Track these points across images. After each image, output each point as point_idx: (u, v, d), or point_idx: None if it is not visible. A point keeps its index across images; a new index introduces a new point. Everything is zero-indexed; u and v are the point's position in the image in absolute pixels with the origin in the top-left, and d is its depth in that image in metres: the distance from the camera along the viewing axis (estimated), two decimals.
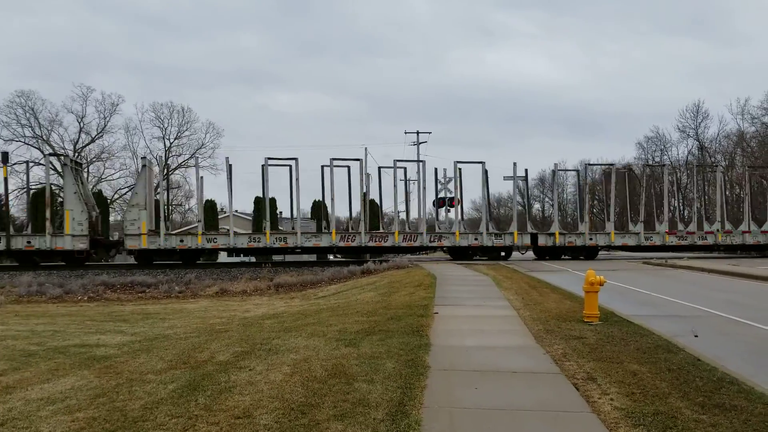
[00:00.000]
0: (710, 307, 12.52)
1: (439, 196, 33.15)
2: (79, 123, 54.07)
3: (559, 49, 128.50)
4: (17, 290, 20.41)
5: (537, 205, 78.38)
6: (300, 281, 21.81)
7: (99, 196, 42.32)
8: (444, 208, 33.63)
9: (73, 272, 23.31)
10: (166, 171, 28.57)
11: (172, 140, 58.75)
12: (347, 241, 28.51)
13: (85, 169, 45.87)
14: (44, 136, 52.30)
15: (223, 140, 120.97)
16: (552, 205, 69.47)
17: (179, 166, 58.28)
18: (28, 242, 26.21)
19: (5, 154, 27.96)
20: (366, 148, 54.05)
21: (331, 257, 33.60)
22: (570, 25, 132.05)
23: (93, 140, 54.70)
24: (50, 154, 28.28)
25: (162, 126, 58.70)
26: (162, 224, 27.03)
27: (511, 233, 30.92)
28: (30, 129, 51.71)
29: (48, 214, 26.75)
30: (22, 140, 51.48)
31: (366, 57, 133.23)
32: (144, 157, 30.61)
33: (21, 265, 25.85)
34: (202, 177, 29.63)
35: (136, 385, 7.12)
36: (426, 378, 6.92)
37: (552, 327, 10.03)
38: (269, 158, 27.99)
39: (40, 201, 31.49)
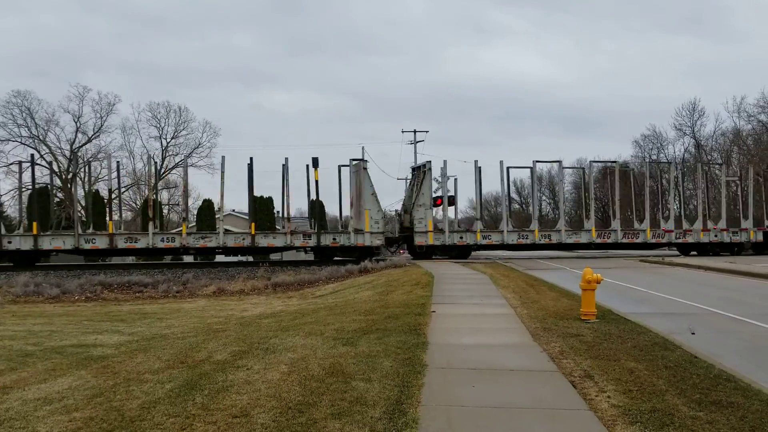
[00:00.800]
0: (706, 304, 12.55)
1: (435, 195, 33.02)
2: (76, 123, 53.99)
3: (553, 46, 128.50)
4: (14, 290, 20.36)
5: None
6: (297, 280, 21.80)
7: (96, 195, 42.23)
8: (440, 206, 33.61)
9: (70, 272, 23.27)
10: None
11: (168, 140, 58.70)
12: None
13: (83, 169, 45.71)
14: (41, 136, 52.20)
15: (220, 139, 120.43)
16: (549, 203, 69.64)
17: (175, 166, 58.16)
18: (334, 239, 28.64)
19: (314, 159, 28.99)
20: (363, 147, 54.20)
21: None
22: (564, 23, 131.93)
23: (90, 140, 54.61)
24: (357, 160, 28.36)
25: (159, 125, 58.61)
26: (446, 223, 30.34)
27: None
28: (26, 129, 51.66)
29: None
30: (19, 140, 51.42)
31: (360, 56, 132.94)
32: (429, 161, 31.25)
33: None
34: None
35: (133, 385, 7.12)
36: (423, 376, 6.93)
37: (549, 325, 10.05)
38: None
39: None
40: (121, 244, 26.33)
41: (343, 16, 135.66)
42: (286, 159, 28.15)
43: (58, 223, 36.25)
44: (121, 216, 32.80)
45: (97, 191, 46.28)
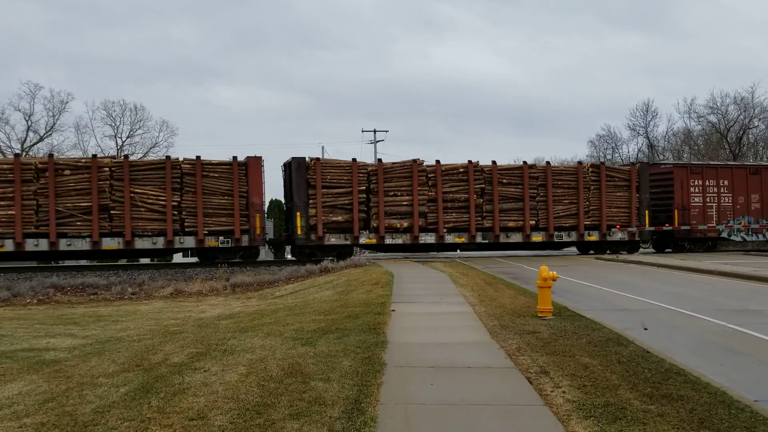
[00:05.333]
0: (658, 300, 12.88)
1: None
2: (27, 121, 52.51)
3: (504, 42, 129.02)
4: None
5: None
6: (257, 281, 21.60)
7: None
8: None
9: (21, 274, 22.61)
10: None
11: (124, 139, 57.51)
12: None
13: None
14: None
15: (177, 139, 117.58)
16: None
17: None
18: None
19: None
20: (323, 147, 53.95)
21: (289, 256, 33.08)
22: (514, 17, 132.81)
23: (41, 139, 53.09)
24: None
25: (114, 124, 57.36)
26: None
27: None
28: None
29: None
30: None
31: (308, 50, 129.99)
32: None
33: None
34: None
35: (87, 389, 6.97)
36: (382, 375, 6.96)
37: (507, 322, 10.18)
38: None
39: None
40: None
41: (286, 5, 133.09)
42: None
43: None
44: None
45: None
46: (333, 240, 26.41)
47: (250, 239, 25.66)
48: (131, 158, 25.49)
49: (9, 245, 23.41)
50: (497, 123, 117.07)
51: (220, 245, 25.45)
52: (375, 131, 53.70)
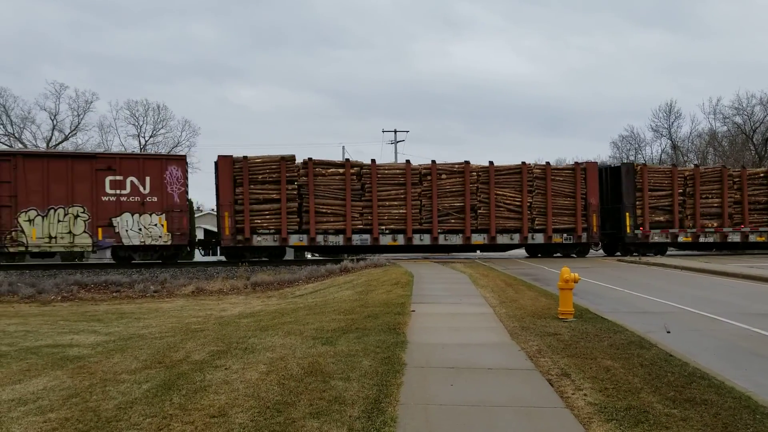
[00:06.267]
0: (682, 303, 12.72)
1: None
2: (52, 120, 53.34)
3: (525, 41, 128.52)
4: None
5: None
6: (277, 280, 21.71)
7: None
8: None
9: (46, 272, 22.94)
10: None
11: (147, 138, 58.15)
12: None
13: None
14: (17, 134, 51.49)
15: (198, 138, 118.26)
16: None
17: None
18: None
19: None
20: (344, 147, 54.10)
21: (308, 255, 33.17)
22: (535, 16, 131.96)
23: (66, 138, 53.90)
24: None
25: (137, 124, 58.04)
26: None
27: None
28: (2, 126, 50.91)
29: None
30: None
31: (327, 49, 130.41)
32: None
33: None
34: None
35: (109, 385, 7.06)
36: (402, 375, 6.95)
37: (527, 324, 10.13)
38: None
39: None
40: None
41: (307, 5, 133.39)
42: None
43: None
44: None
45: None
46: (656, 238, 29.41)
47: (588, 236, 28.83)
48: (495, 164, 28.27)
49: (400, 239, 27.27)
50: (518, 123, 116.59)
51: (564, 242, 28.75)
52: (395, 131, 53.69)
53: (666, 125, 62.14)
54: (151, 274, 23.09)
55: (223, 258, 29.20)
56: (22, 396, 6.82)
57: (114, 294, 19.99)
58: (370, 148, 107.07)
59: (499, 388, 6.54)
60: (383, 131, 64.21)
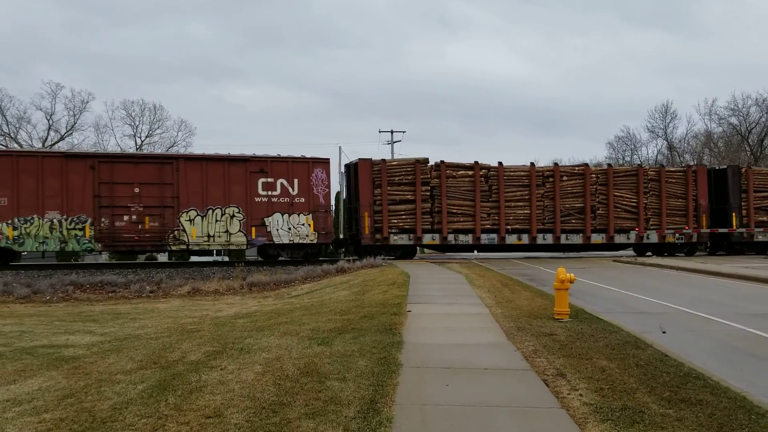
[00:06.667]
0: (678, 303, 12.75)
1: None
2: (48, 120, 53.23)
3: (522, 41, 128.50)
4: None
5: None
6: (273, 280, 21.67)
7: None
8: None
9: (41, 272, 22.88)
10: None
11: (143, 138, 58.04)
12: None
13: None
14: (12, 134, 51.35)
15: (194, 139, 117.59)
16: None
17: None
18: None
19: None
20: (340, 147, 54.13)
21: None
22: (532, 16, 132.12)
23: (62, 138, 53.77)
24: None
25: (133, 124, 57.93)
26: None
27: None
28: None
29: None
30: None
31: (323, 48, 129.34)
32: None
33: None
34: None
35: (105, 386, 7.04)
36: (398, 375, 6.95)
37: (523, 324, 10.13)
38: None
39: None
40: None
41: (303, 5, 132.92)
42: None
43: None
44: None
45: None
46: (760, 237, 30.50)
47: (698, 236, 30.04)
48: (614, 167, 30.08)
49: (525, 239, 28.32)
50: (515, 123, 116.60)
51: (675, 241, 29.80)
52: (392, 132, 53.64)
53: (662, 126, 62.29)
54: (147, 274, 23.05)
55: (225, 258, 29.24)
56: (16, 396, 6.79)
57: (110, 294, 19.94)
58: (366, 149, 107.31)
59: (495, 389, 6.54)
60: (380, 131, 64.14)
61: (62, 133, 53.92)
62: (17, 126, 51.82)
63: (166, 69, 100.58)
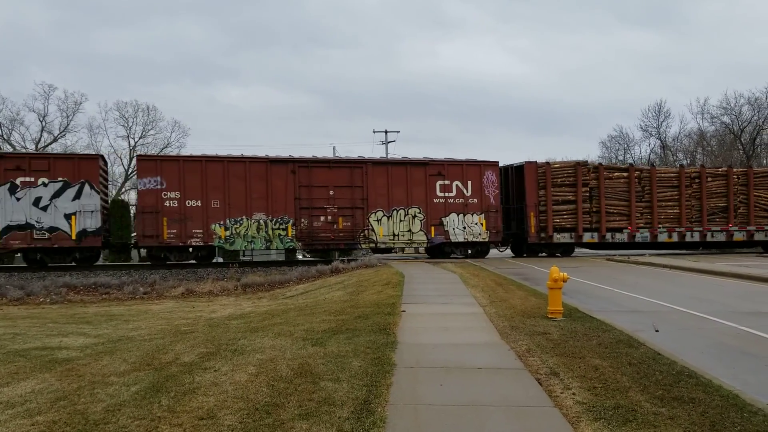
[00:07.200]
0: (671, 302, 12.79)
1: None
2: (41, 122, 53.00)
3: (514, 41, 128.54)
4: None
5: None
6: (268, 281, 21.67)
7: None
8: None
9: (35, 274, 22.82)
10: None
11: (137, 139, 57.86)
12: None
13: None
14: (5, 135, 51.12)
15: (188, 140, 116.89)
16: None
17: None
18: None
19: None
20: (334, 147, 54.09)
21: (300, 256, 33.29)
22: (526, 15, 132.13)
23: (55, 139, 53.56)
24: None
25: (126, 125, 57.74)
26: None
27: None
28: None
29: None
30: None
31: (316, 48, 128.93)
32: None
33: None
34: None
35: (98, 388, 7.02)
36: (392, 375, 6.96)
37: (517, 323, 10.16)
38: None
39: None
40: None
41: (296, 4, 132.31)
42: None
43: None
44: None
45: None
46: None
47: None
48: (754, 169, 32.01)
49: (674, 237, 29.87)
50: (508, 122, 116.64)
51: None
52: (386, 132, 53.67)
53: (655, 125, 62.45)
54: (141, 275, 23.01)
55: (221, 259, 29.20)
56: (9, 399, 6.77)
57: (103, 296, 19.90)
58: (360, 149, 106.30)
59: (488, 388, 6.56)
60: (374, 131, 64.08)
61: (55, 135, 53.75)
62: (10, 128, 51.64)
63: (159, 69, 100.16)
